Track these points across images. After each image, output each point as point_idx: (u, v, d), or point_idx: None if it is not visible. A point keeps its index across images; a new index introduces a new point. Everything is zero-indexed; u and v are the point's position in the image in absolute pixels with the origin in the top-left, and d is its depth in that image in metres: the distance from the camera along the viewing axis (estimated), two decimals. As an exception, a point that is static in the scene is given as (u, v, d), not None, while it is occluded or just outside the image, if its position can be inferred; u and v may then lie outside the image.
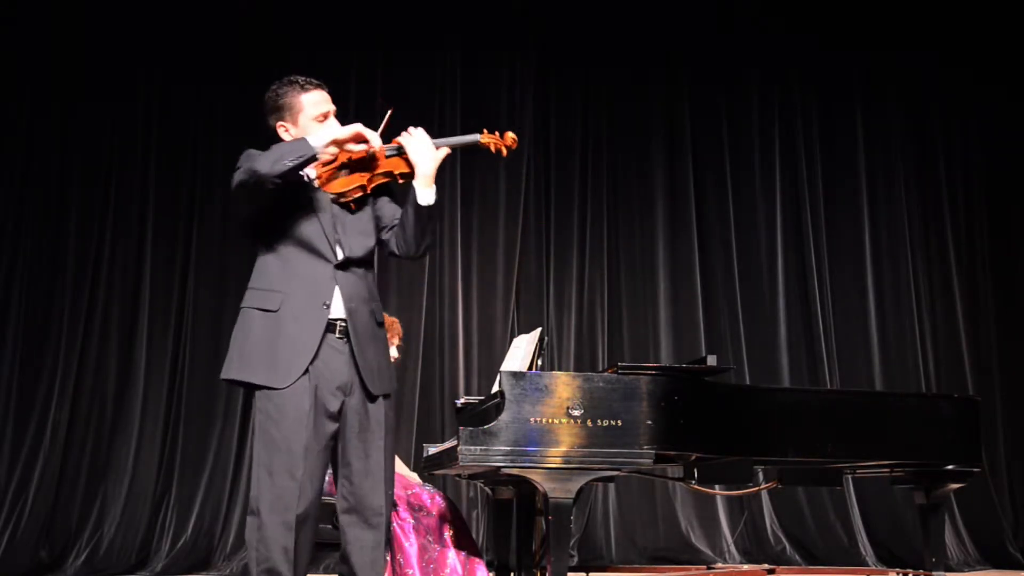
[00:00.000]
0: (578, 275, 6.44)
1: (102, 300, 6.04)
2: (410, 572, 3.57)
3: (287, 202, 2.67)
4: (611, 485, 5.97)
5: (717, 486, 5.12)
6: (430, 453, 4.05)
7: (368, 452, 2.67)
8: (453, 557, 3.67)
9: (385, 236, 2.80)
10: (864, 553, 6.02)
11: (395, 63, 6.43)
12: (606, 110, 6.62)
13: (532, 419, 2.94)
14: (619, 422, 2.98)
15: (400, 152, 2.73)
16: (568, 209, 6.50)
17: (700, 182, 6.62)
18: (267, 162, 2.54)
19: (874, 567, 5.89)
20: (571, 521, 3.21)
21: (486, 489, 4.27)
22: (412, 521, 3.68)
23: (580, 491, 3.04)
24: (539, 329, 3.59)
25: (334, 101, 2.80)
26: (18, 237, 6.01)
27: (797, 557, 6.04)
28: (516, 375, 3.00)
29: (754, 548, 6.10)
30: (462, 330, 6.23)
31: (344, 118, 2.79)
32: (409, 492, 3.76)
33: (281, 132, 2.76)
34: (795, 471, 3.82)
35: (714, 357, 3.25)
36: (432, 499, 3.77)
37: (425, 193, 2.69)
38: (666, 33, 6.67)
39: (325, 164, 2.69)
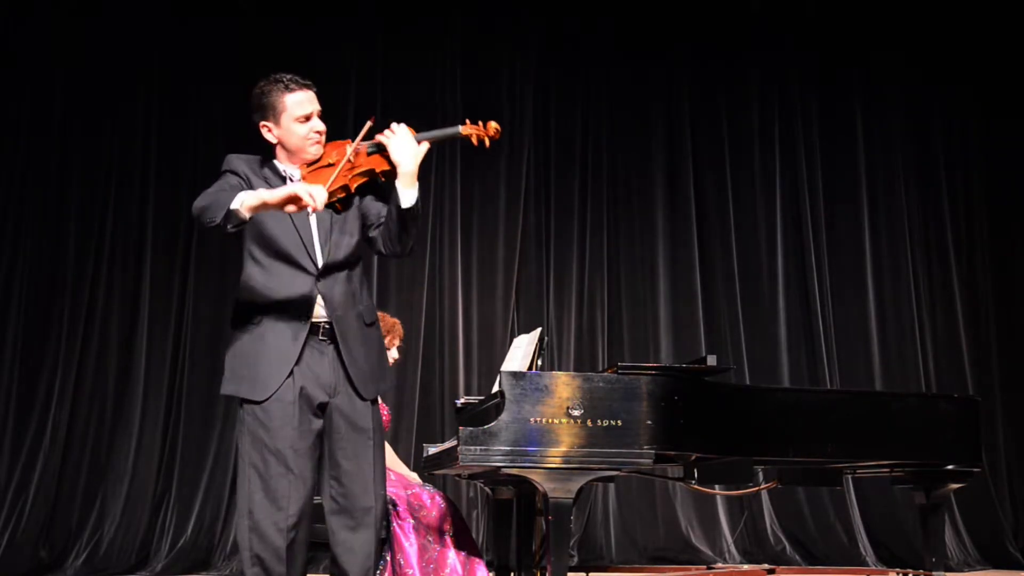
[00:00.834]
0: (578, 275, 6.44)
1: (102, 300, 6.05)
2: (410, 572, 3.56)
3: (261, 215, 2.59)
4: (611, 485, 5.97)
5: (717, 486, 5.13)
6: (430, 453, 4.04)
7: (358, 452, 2.66)
8: (453, 557, 3.67)
9: (372, 234, 2.76)
10: (864, 553, 6.03)
11: (395, 63, 6.43)
12: (606, 110, 6.62)
13: (532, 419, 2.93)
14: (619, 422, 2.98)
15: (381, 150, 2.70)
16: (568, 209, 6.50)
17: (700, 182, 6.62)
18: (199, 209, 2.53)
19: (874, 567, 5.89)
20: (571, 521, 3.21)
21: (486, 489, 4.27)
22: (412, 521, 3.67)
23: (580, 491, 3.04)
24: (539, 329, 3.59)
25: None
26: (18, 237, 6.01)
27: (797, 557, 6.04)
28: (516, 375, 2.99)
29: (754, 548, 6.10)
30: (462, 330, 6.23)
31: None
32: (409, 492, 3.76)
33: (264, 132, 2.72)
34: (795, 471, 3.82)
35: (714, 357, 3.24)
36: (432, 499, 3.76)
37: (407, 194, 2.63)
38: (666, 33, 6.67)
39: (308, 165, 2.68)
